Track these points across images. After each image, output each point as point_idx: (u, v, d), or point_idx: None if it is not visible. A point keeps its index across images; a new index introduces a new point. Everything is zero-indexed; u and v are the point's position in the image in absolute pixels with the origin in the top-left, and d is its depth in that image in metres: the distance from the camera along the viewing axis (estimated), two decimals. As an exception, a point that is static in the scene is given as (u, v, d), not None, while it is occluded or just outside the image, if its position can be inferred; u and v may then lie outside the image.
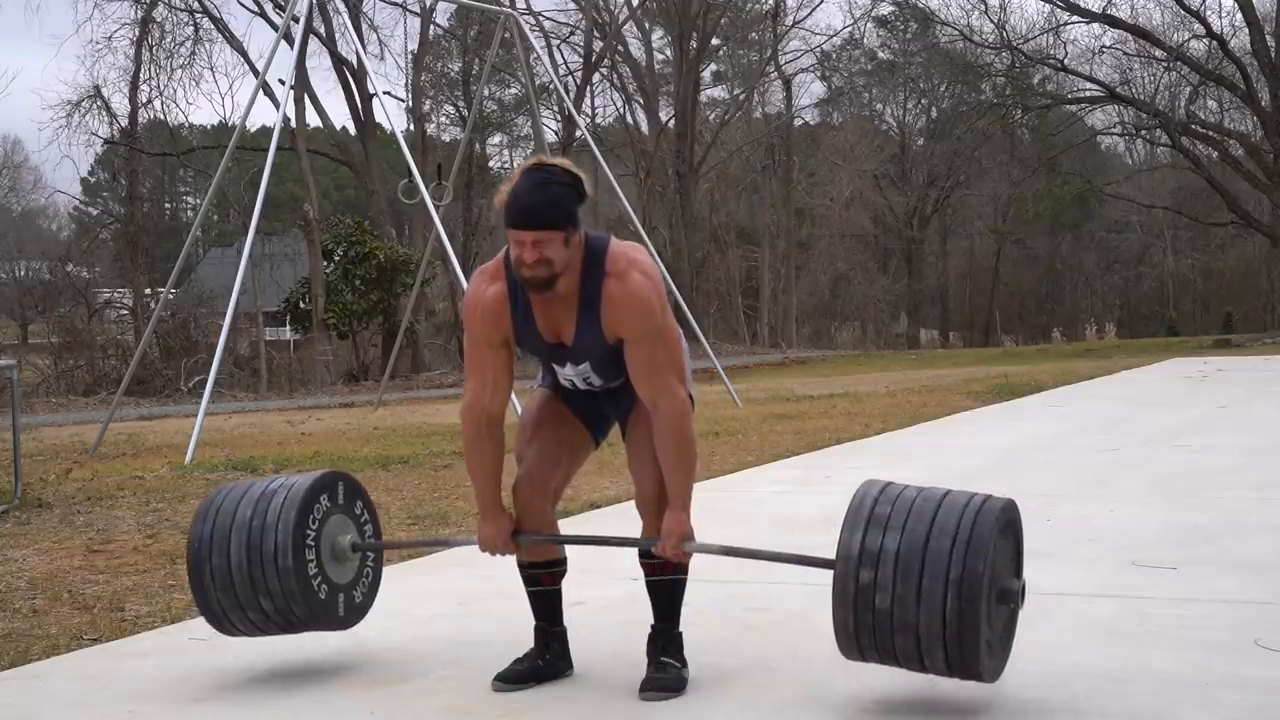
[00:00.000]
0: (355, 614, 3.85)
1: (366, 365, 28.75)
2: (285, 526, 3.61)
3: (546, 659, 3.67)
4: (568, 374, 3.56)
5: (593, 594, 4.58)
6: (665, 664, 3.56)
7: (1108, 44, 38.33)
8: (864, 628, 3.15)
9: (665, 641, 3.60)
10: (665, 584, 3.61)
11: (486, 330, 3.48)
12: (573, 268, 3.35)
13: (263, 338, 30.11)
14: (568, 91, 33.92)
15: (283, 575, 3.60)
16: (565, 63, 38.04)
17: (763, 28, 43.39)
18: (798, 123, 49.20)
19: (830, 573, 3.22)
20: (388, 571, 5.45)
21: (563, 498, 6.44)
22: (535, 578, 3.70)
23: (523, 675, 3.62)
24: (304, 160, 28.41)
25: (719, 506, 6.97)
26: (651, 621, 3.64)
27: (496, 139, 44.69)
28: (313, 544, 3.68)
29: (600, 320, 3.39)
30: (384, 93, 40.15)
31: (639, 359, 3.40)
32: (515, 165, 3.59)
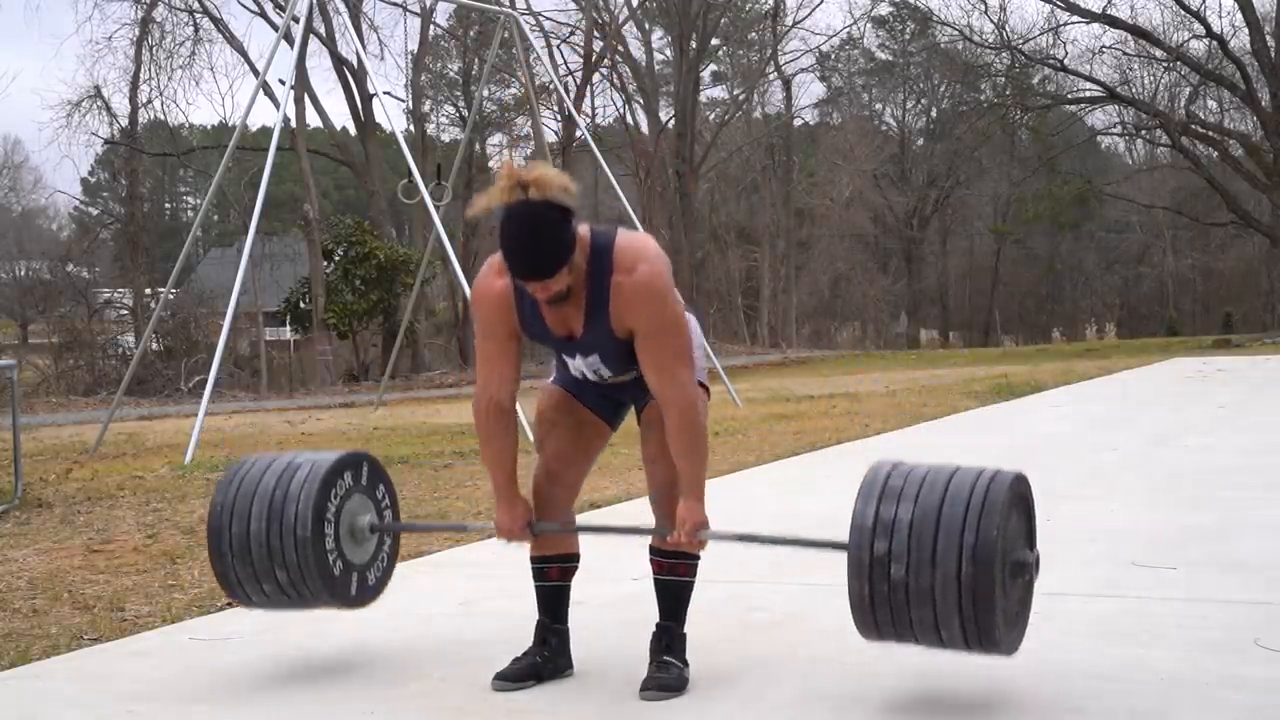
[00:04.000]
0: (367, 594, 3.84)
1: (366, 365, 28.76)
2: (307, 498, 3.63)
3: (545, 655, 3.66)
4: (578, 365, 3.55)
5: (593, 593, 4.57)
6: (667, 663, 3.56)
7: (1108, 44, 38.49)
8: (880, 599, 3.14)
9: (669, 640, 3.60)
10: (674, 584, 3.62)
11: (493, 323, 3.48)
12: (578, 270, 3.32)
13: (263, 337, 30.13)
14: (568, 91, 33.92)
15: (300, 546, 3.61)
16: (565, 63, 38.05)
17: (762, 28, 43.43)
18: (797, 123, 49.27)
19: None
20: (388, 571, 5.46)
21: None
22: (543, 571, 3.70)
23: (522, 673, 3.61)
24: (304, 160, 28.42)
25: (719, 507, 6.95)
26: (657, 619, 3.65)
27: (496, 139, 44.70)
28: (332, 519, 3.69)
29: (609, 316, 3.38)
30: (384, 93, 40.20)
31: (649, 352, 3.39)
32: (502, 168, 3.49)
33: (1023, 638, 3.31)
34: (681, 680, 3.54)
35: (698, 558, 3.64)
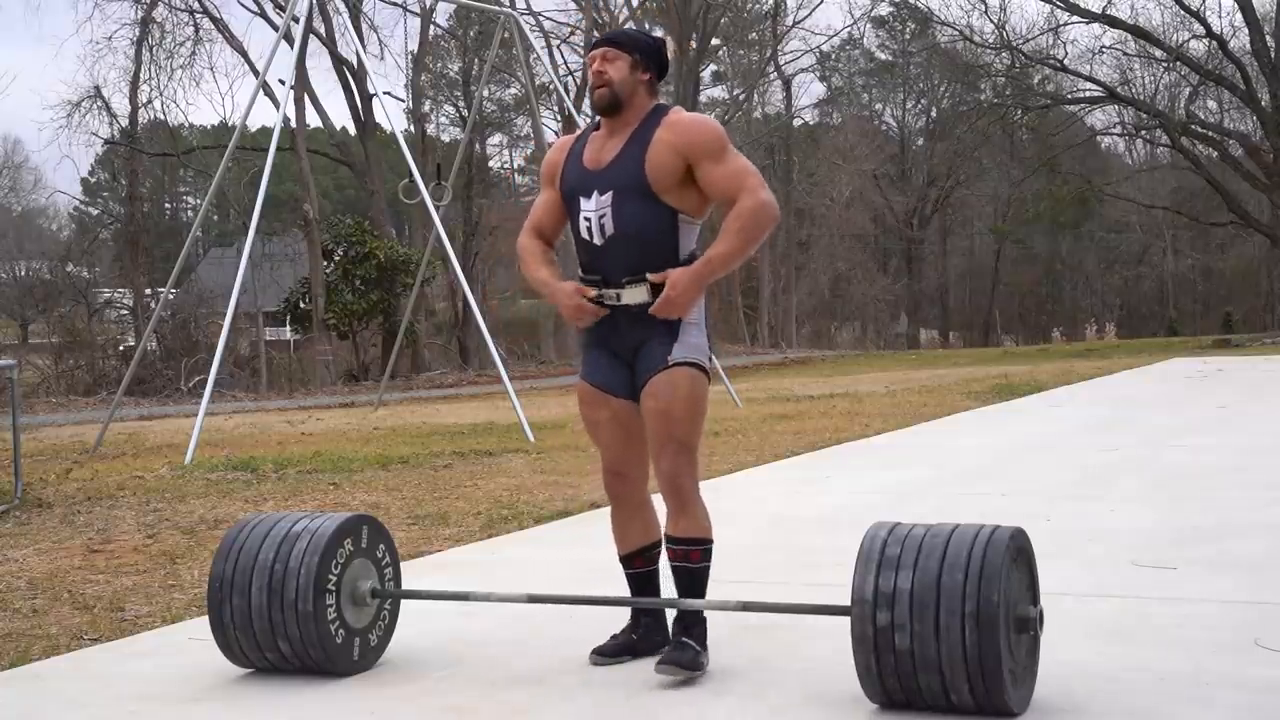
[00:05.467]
0: (369, 657, 3.86)
1: (366, 365, 28.75)
2: (307, 573, 3.65)
3: (639, 634, 3.81)
4: (589, 210, 3.64)
5: (598, 590, 4.56)
6: (685, 644, 3.62)
7: (1108, 44, 38.50)
8: (887, 670, 3.17)
9: (690, 623, 3.68)
10: (687, 571, 3.68)
11: (552, 169, 3.80)
12: (638, 106, 3.64)
13: (263, 338, 30.15)
14: (568, 91, 33.90)
15: (302, 621, 3.63)
16: (565, 63, 38.01)
17: (762, 28, 43.43)
18: (797, 123, 49.26)
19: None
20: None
21: (563, 499, 6.43)
22: (630, 561, 3.86)
23: (617, 649, 3.78)
24: (304, 160, 28.41)
25: (718, 507, 6.95)
26: None
27: (496, 139, 44.75)
28: (333, 589, 3.70)
29: (649, 144, 3.56)
30: (384, 93, 40.13)
31: (716, 174, 3.56)
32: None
33: (1031, 693, 3.32)
34: (697, 662, 3.58)
35: (710, 542, 3.71)
